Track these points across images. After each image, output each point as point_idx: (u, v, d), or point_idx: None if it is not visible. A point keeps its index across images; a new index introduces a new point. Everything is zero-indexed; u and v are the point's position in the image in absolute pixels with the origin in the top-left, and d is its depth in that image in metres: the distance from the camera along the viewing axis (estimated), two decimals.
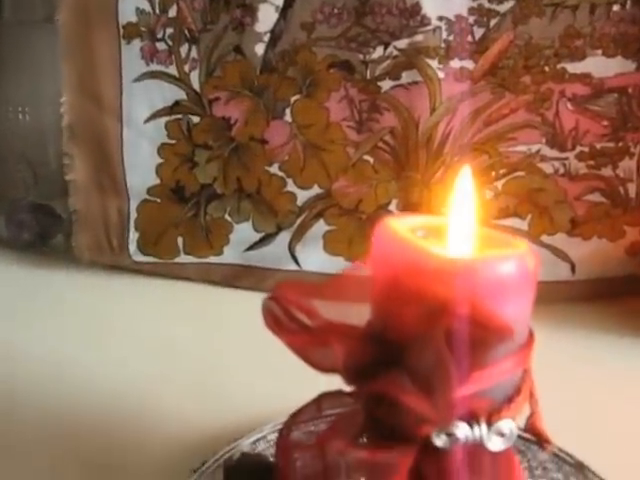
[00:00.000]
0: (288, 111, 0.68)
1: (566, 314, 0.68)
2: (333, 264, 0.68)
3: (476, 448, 0.32)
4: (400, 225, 0.35)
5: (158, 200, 0.71)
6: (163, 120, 0.69)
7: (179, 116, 0.69)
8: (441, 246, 0.35)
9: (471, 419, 0.32)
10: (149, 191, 0.71)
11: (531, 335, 0.34)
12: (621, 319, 0.68)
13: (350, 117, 0.67)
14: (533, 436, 0.36)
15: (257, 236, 0.70)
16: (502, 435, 0.32)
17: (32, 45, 0.76)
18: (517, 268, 0.32)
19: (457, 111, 0.66)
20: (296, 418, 0.37)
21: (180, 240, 0.71)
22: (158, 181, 0.70)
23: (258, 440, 0.47)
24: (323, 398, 0.36)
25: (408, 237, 0.33)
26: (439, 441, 0.31)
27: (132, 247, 0.72)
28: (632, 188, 0.68)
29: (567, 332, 0.66)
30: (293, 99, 0.67)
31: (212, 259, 0.71)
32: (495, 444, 0.32)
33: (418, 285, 0.31)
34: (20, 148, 0.77)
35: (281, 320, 0.33)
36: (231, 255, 0.71)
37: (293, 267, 0.70)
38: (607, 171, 0.67)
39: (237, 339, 0.63)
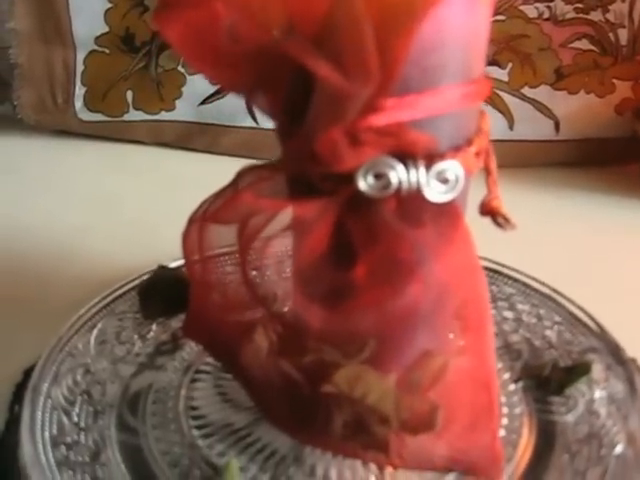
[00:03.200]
0: None
1: (547, 177, 0.63)
2: None
3: (413, 200, 0.27)
4: None
5: (106, 50, 0.65)
6: None
7: None
8: None
9: (406, 158, 0.26)
10: (97, 40, 0.65)
11: (486, 78, 0.29)
12: (609, 183, 0.62)
13: None
14: (488, 215, 0.31)
15: (212, 88, 0.64)
16: (445, 182, 0.27)
17: None
18: None
19: None
20: (212, 197, 0.31)
21: (129, 94, 0.65)
22: (107, 29, 0.64)
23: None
24: (241, 174, 0.31)
25: None
26: (364, 184, 0.26)
27: (78, 103, 0.66)
28: (623, 34, 0.62)
29: (546, 195, 0.61)
30: None
31: (164, 115, 0.65)
32: (435, 192, 0.27)
33: None
34: None
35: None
36: (184, 110, 0.65)
37: (250, 124, 0.64)
38: (596, 15, 0.61)
39: (178, 197, 0.58)
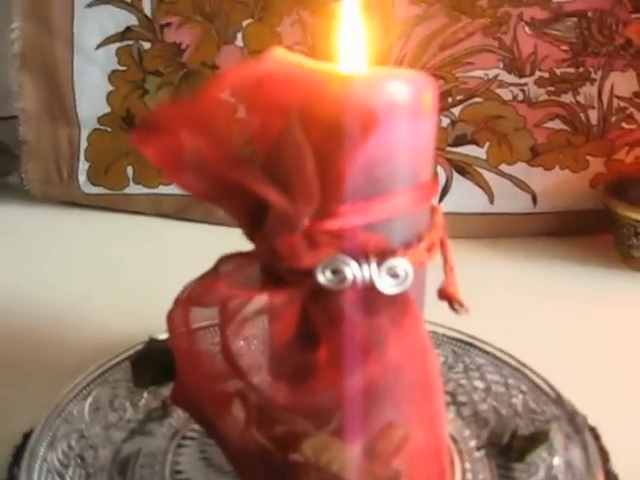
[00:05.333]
0: (240, 36, 0.66)
1: (526, 247, 0.66)
2: None
3: (370, 292, 0.30)
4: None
5: (109, 129, 0.69)
6: (114, 46, 0.68)
7: (130, 42, 0.68)
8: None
9: (360, 256, 0.30)
10: (100, 120, 0.69)
11: (435, 178, 0.32)
12: (584, 252, 0.66)
13: (302, 41, 0.65)
14: (445, 300, 0.34)
15: None
16: (396, 277, 0.30)
17: None
18: (411, 92, 0.30)
19: (412, 35, 0.64)
20: (195, 282, 0.35)
21: (130, 169, 0.69)
22: (109, 109, 0.69)
23: None
24: (222, 261, 0.34)
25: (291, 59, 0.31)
26: (323, 279, 0.29)
27: (82, 178, 0.70)
28: (593, 115, 0.65)
29: (527, 264, 0.64)
30: (245, 23, 0.66)
31: (162, 189, 0.69)
32: (387, 285, 0.30)
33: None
34: None
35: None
36: None
37: None
38: (568, 97, 0.65)
39: (176, 265, 0.61)
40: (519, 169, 0.66)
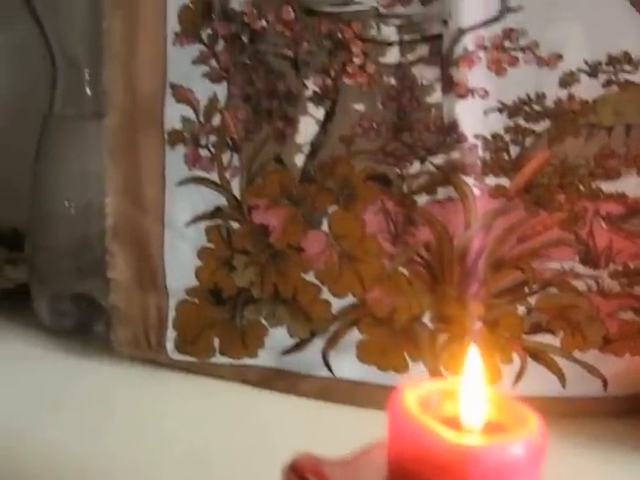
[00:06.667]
0: (325, 221, 0.69)
1: (598, 428, 0.69)
2: (366, 372, 0.70)
3: None
4: (414, 396, 0.37)
5: (196, 301, 0.73)
6: (203, 224, 0.71)
7: (219, 221, 0.71)
8: (453, 425, 0.36)
9: None
10: (188, 292, 0.73)
11: None
12: None
13: (386, 229, 0.68)
14: None
15: (291, 341, 0.71)
16: None
17: (80, 139, 0.79)
18: (526, 450, 0.33)
19: (492, 227, 0.67)
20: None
21: (216, 341, 0.73)
22: (197, 283, 0.72)
23: None
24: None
25: (419, 418, 0.35)
26: None
27: (169, 345, 0.74)
28: None
29: (598, 446, 0.66)
30: (330, 210, 0.69)
31: (247, 361, 0.72)
32: None
33: (427, 470, 0.33)
34: (65, 239, 0.79)
35: None
36: (265, 358, 0.72)
37: (325, 374, 0.71)
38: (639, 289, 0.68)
39: (256, 435, 0.64)
40: (590, 355, 0.68)
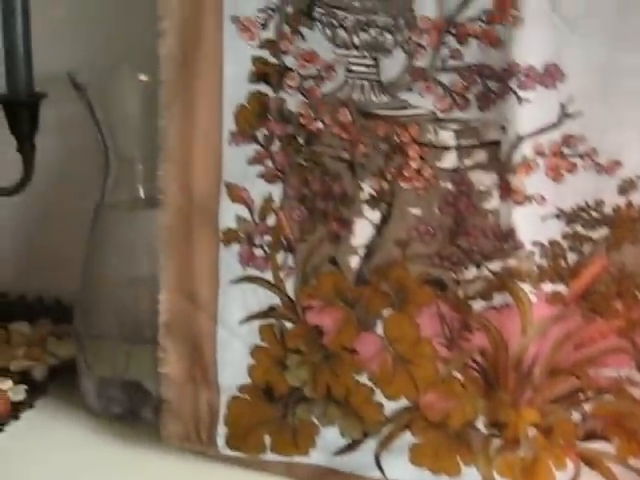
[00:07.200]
0: (379, 323, 0.69)
1: None
2: (418, 475, 0.69)
3: None
4: None
5: (248, 398, 0.73)
6: (257, 323, 0.72)
7: (273, 321, 0.71)
8: None
9: None
10: (240, 389, 0.73)
11: None
12: None
13: (441, 334, 0.68)
14: None
15: (343, 441, 0.71)
16: None
17: (130, 229, 0.80)
18: None
19: (548, 334, 0.67)
20: None
21: (267, 438, 0.73)
22: (249, 380, 0.72)
23: None
24: None
25: None
26: None
27: (220, 441, 0.74)
28: None
29: None
30: (385, 312, 0.69)
31: (297, 458, 0.72)
32: None
33: None
34: (115, 327, 0.80)
35: None
36: (317, 457, 0.72)
37: (377, 475, 0.71)
38: None
39: None
40: None
